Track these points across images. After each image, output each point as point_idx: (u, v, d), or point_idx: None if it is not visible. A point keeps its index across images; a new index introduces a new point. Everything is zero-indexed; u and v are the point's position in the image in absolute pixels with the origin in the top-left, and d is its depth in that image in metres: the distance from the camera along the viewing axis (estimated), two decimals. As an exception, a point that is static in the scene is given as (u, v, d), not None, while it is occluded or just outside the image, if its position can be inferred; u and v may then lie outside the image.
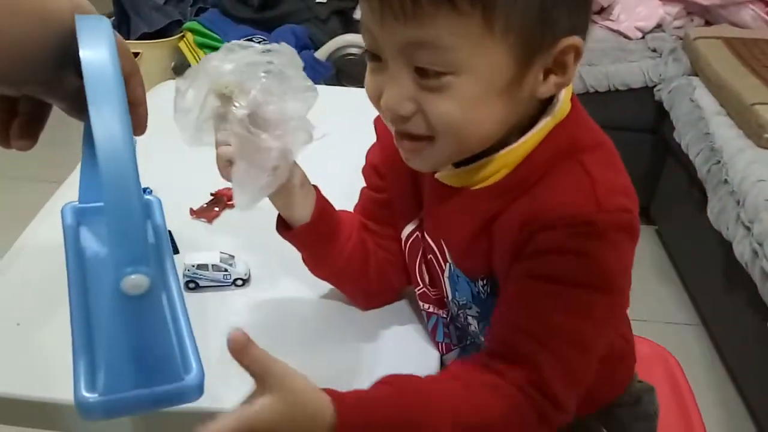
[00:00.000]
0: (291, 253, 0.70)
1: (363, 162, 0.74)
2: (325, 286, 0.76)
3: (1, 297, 0.76)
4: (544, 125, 0.56)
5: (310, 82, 0.62)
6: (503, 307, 0.57)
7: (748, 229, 1.30)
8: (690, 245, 1.76)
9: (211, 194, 0.93)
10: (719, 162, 1.48)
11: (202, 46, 2.02)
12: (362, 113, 0.68)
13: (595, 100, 1.84)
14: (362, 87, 0.59)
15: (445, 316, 0.70)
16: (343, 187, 0.74)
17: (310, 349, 0.71)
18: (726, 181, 1.42)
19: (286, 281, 0.77)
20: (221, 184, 0.84)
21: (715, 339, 1.60)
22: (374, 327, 0.73)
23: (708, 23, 2.10)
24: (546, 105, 0.57)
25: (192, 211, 0.90)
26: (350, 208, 0.74)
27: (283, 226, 0.66)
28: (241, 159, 0.59)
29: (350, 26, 2.05)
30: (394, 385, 0.52)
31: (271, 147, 0.58)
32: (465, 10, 0.48)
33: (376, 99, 0.55)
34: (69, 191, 0.85)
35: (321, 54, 1.98)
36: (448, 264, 0.65)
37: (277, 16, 2.05)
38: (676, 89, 1.77)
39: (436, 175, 0.60)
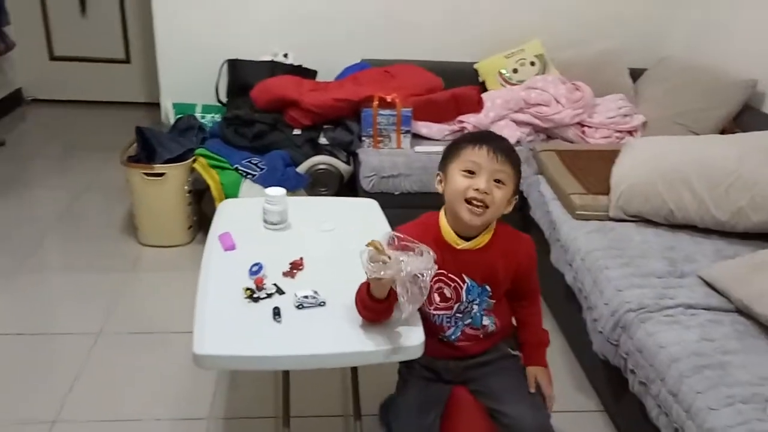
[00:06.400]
0: (332, 287, 1.57)
1: (355, 241, 1.62)
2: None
3: None
4: (495, 221, 1.54)
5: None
6: (522, 286, 1.63)
7: (570, 266, 2.28)
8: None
9: (290, 264, 1.79)
10: (555, 228, 2.46)
11: (214, 167, 2.85)
12: (353, 215, 1.65)
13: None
14: (328, 194, 1.70)
15: (449, 312, 1.58)
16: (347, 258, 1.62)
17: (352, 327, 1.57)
18: (558, 239, 2.41)
19: (339, 300, 1.59)
20: (292, 257, 1.75)
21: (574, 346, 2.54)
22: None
23: (549, 137, 3.16)
24: None
25: (283, 273, 1.75)
26: (345, 272, 1.59)
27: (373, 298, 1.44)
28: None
29: (317, 149, 2.89)
30: None
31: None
32: (514, 166, 1.48)
33: (464, 189, 1.45)
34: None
35: (301, 169, 2.84)
36: (466, 283, 1.54)
37: (266, 144, 2.90)
38: (529, 184, 2.79)
39: (459, 247, 1.52)
